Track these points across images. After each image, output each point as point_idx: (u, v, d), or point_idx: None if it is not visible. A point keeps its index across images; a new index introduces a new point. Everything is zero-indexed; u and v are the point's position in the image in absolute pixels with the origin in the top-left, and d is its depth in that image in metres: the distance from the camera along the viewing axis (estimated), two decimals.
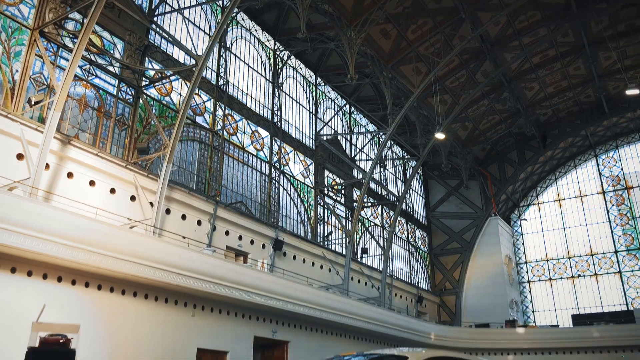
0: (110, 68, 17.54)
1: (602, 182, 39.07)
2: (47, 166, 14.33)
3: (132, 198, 16.95)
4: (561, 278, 38.33)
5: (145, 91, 18.54)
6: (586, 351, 28.91)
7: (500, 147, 39.01)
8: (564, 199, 39.96)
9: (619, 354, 28.48)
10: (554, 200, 40.33)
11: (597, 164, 39.58)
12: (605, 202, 38.49)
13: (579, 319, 32.72)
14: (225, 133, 22.13)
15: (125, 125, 17.79)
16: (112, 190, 16.40)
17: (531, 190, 41.31)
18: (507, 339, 30.23)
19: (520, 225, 41.01)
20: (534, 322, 37.55)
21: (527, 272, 39.71)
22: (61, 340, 4.05)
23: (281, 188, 24.96)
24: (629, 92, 28.36)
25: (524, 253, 40.25)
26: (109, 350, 13.38)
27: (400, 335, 24.82)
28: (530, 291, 39.18)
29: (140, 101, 18.21)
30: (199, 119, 20.96)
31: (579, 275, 37.72)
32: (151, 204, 16.90)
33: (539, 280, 39.10)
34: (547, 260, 39.19)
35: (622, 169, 38.66)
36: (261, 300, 17.43)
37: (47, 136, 13.56)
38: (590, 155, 39.91)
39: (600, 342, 28.75)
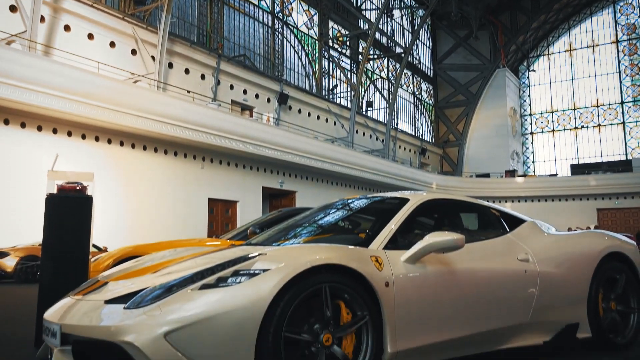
0: None
1: (617, 30, 37.65)
2: (43, 19, 13.89)
3: (133, 52, 16.64)
4: (564, 129, 38.64)
5: None
6: (581, 198, 30.16)
7: None
8: (575, 49, 38.87)
9: (613, 200, 29.71)
10: (565, 51, 39.24)
11: (614, 11, 37.83)
12: (618, 52, 37.44)
13: (578, 169, 33.64)
14: None
15: None
16: (112, 44, 16.06)
17: (542, 41, 40.01)
18: (506, 188, 31.46)
19: (528, 77, 40.39)
20: (534, 172, 38.64)
21: (531, 124, 39.94)
22: (78, 188, 4.28)
23: (285, 40, 24.28)
24: None
25: (530, 105, 40.13)
26: (122, 199, 14.09)
27: (403, 185, 25.75)
28: (532, 142, 39.75)
29: None
30: None
31: (582, 127, 37.97)
32: (153, 57, 16.63)
33: (542, 132, 39.48)
34: (552, 112, 39.20)
35: (639, 16, 37.03)
36: (268, 153, 17.92)
37: None
38: (608, 1, 37.99)
39: (596, 189, 29.86)
